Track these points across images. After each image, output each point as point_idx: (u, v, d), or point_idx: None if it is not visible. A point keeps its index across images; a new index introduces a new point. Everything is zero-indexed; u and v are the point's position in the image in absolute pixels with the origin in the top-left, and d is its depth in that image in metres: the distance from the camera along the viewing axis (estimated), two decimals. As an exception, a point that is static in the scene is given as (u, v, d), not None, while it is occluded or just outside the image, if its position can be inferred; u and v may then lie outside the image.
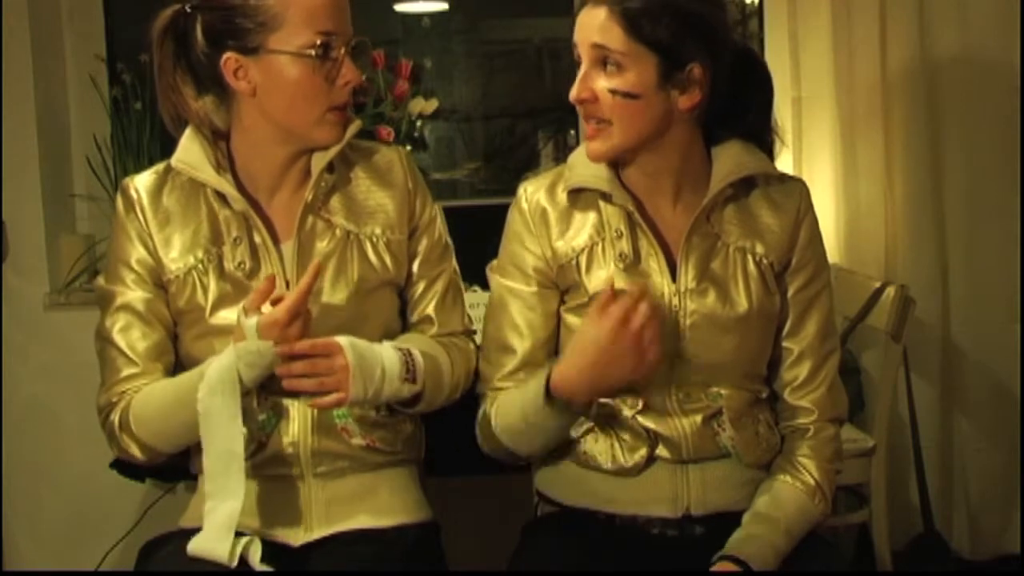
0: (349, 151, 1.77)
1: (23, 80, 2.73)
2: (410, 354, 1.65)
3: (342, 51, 1.63)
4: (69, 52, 2.89)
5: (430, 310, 1.77)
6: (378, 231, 1.73)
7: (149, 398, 1.67)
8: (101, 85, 2.89)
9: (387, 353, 1.63)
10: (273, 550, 1.64)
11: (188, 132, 1.71)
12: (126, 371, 1.69)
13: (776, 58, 2.87)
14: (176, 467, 1.81)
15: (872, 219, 2.80)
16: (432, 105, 2.99)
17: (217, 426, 1.56)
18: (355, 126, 1.71)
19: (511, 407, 1.67)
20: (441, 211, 1.83)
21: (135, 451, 1.68)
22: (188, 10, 1.65)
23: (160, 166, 1.74)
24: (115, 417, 1.68)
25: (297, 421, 1.68)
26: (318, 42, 1.60)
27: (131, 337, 1.69)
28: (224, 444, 1.57)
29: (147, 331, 1.70)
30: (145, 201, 1.71)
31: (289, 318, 1.55)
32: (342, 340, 1.59)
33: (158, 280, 1.71)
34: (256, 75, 1.63)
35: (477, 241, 1.88)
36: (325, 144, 1.68)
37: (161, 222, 1.70)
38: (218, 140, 1.71)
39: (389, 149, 1.82)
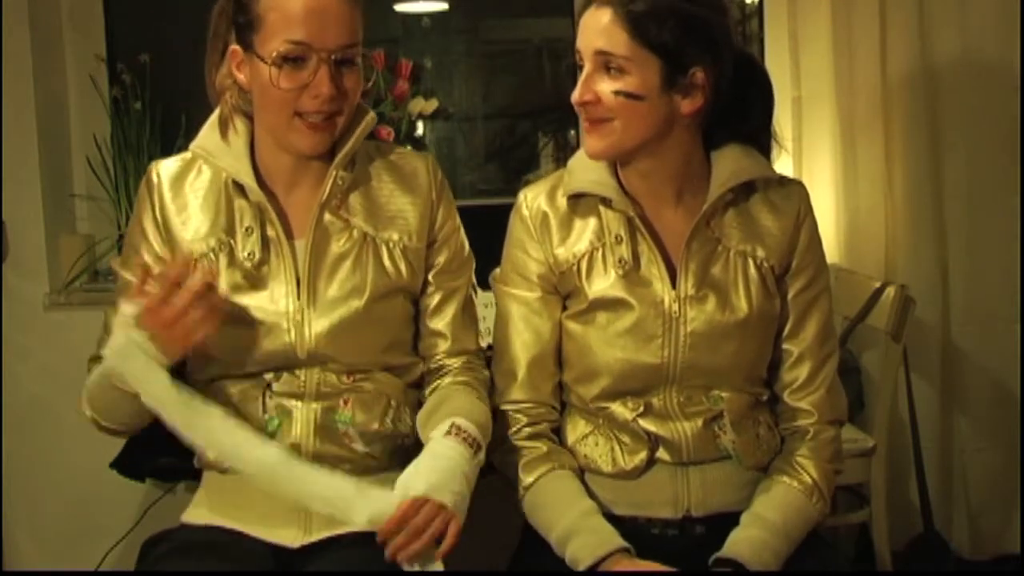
0: (374, 150, 1.77)
1: (23, 80, 2.73)
2: (460, 430, 1.62)
3: (316, 63, 1.60)
4: (69, 52, 2.89)
5: (443, 325, 1.77)
6: (396, 237, 1.73)
7: (92, 374, 1.69)
8: (101, 85, 2.89)
9: (451, 449, 1.60)
10: (272, 551, 1.64)
11: (210, 120, 1.72)
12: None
13: (776, 58, 2.87)
14: (176, 467, 1.81)
15: (872, 219, 2.80)
16: (432, 105, 2.98)
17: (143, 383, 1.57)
18: (368, 120, 1.71)
19: (546, 513, 1.66)
20: None
21: (88, 415, 1.73)
22: None
23: (188, 154, 1.75)
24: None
25: (300, 423, 1.68)
26: (282, 50, 1.59)
27: None
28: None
29: None
30: (165, 186, 1.72)
31: (159, 301, 1.53)
32: (417, 490, 1.56)
33: None
34: (247, 71, 1.65)
35: (477, 241, 1.88)
36: (301, 151, 1.67)
37: (179, 207, 1.71)
38: (243, 127, 1.72)
39: (416, 155, 1.82)
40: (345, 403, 1.69)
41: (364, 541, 1.67)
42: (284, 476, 1.57)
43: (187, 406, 1.57)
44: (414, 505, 1.55)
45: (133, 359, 1.56)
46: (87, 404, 1.72)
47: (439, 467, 1.59)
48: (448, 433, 1.62)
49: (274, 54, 1.59)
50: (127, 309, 1.55)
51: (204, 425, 1.57)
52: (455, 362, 1.77)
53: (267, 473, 1.57)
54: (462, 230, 1.81)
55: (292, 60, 1.60)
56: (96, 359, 1.70)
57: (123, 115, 2.84)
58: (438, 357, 1.78)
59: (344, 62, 1.63)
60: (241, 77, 1.66)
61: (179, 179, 1.72)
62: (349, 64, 1.64)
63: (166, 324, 1.54)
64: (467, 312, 1.79)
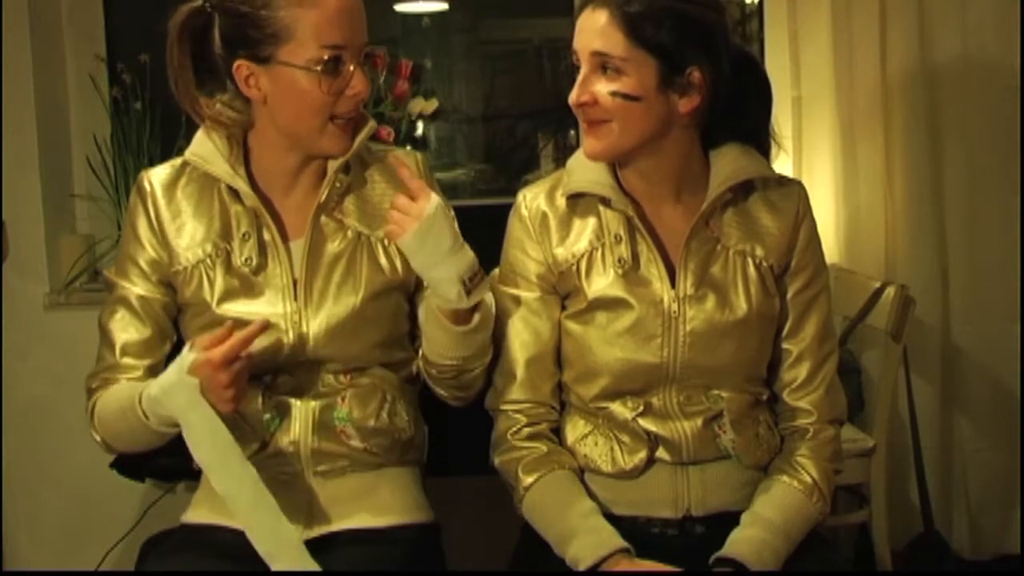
0: (365, 153, 1.78)
1: (23, 80, 2.73)
2: (479, 270, 1.64)
3: (351, 64, 1.62)
4: (69, 52, 2.90)
5: None
6: None
7: (107, 401, 1.70)
8: (101, 85, 2.90)
9: (464, 251, 1.63)
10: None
11: (203, 126, 1.72)
12: (109, 360, 1.73)
13: (776, 58, 2.88)
14: (176, 467, 1.81)
15: (872, 219, 2.81)
16: (432, 105, 2.99)
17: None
18: (369, 127, 1.71)
19: (546, 513, 1.66)
20: None
21: (97, 440, 1.74)
22: (208, 8, 1.65)
23: (177, 160, 1.75)
24: (90, 403, 1.74)
25: (299, 420, 1.68)
26: (326, 57, 1.60)
27: (122, 330, 1.72)
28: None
29: (139, 327, 1.73)
30: (159, 193, 1.72)
31: (222, 362, 1.54)
32: (435, 199, 1.61)
33: (163, 276, 1.72)
34: (266, 84, 1.64)
35: (477, 241, 1.88)
36: (331, 154, 1.68)
37: (174, 213, 1.71)
38: (235, 135, 1.71)
39: (405, 153, 1.82)
40: (342, 400, 1.69)
41: (363, 539, 1.68)
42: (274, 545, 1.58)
43: (225, 455, 1.58)
44: (422, 190, 1.62)
45: (180, 399, 1.57)
46: (100, 430, 1.72)
47: (451, 229, 1.63)
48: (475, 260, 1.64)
49: (316, 60, 1.59)
50: (188, 357, 1.56)
51: (234, 482, 1.58)
52: None
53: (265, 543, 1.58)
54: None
55: (331, 64, 1.60)
56: (97, 388, 1.72)
57: (123, 115, 2.84)
58: None
59: (366, 60, 1.66)
60: (254, 92, 1.65)
61: (171, 186, 1.73)
62: (368, 62, 1.67)
63: (222, 384, 1.54)
64: None
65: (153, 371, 1.73)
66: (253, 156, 1.73)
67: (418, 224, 1.59)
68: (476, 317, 1.65)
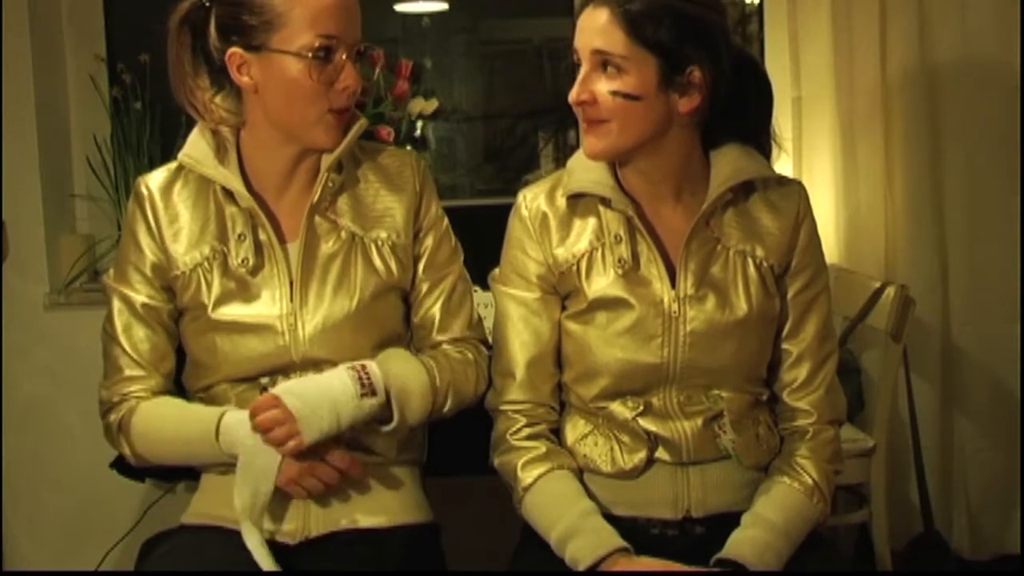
0: (360, 152, 1.77)
1: (23, 80, 2.73)
2: (363, 368, 1.63)
3: (343, 56, 1.63)
4: (69, 52, 2.90)
5: (434, 311, 1.77)
6: (384, 235, 1.73)
7: (153, 420, 1.69)
8: (101, 85, 2.90)
9: (337, 378, 1.61)
10: (271, 549, 1.64)
11: (197, 127, 1.72)
12: (128, 371, 1.71)
13: (776, 58, 2.88)
14: (176, 467, 1.81)
15: (872, 219, 2.81)
16: (432, 105, 2.99)
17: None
18: (360, 125, 1.71)
19: (545, 513, 1.65)
20: None
21: (127, 453, 1.72)
22: (206, 3, 1.66)
23: (173, 164, 1.75)
24: (115, 417, 1.71)
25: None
26: (317, 44, 1.60)
27: (133, 338, 1.71)
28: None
29: (149, 333, 1.72)
30: (156, 197, 1.72)
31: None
32: (278, 390, 1.59)
33: (164, 281, 1.72)
34: (258, 72, 1.64)
35: (477, 241, 1.88)
36: (323, 147, 1.68)
37: (171, 218, 1.71)
38: (228, 136, 1.71)
39: (401, 153, 1.82)
40: None
41: (362, 539, 1.68)
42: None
43: (252, 501, 1.61)
44: (267, 401, 1.58)
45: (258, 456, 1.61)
46: (138, 444, 1.70)
47: (313, 382, 1.61)
48: (351, 367, 1.63)
49: (307, 47, 1.60)
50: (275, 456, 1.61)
51: (246, 525, 1.62)
52: (437, 346, 1.77)
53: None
54: (447, 222, 1.81)
55: (322, 54, 1.61)
56: (120, 402, 1.71)
57: (123, 115, 2.84)
58: (427, 346, 1.78)
59: (359, 57, 1.66)
60: (246, 81, 1.65)
61: (167, 190, 1.73)
62: (361, 59, 1.67)
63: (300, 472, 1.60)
64: (455, 301, 1.78)
65: (169, 378, 1.74)
66: (246, 156, 1.72)
67: (295, 418, 1.57)
68: (393, 420, 1.66)
